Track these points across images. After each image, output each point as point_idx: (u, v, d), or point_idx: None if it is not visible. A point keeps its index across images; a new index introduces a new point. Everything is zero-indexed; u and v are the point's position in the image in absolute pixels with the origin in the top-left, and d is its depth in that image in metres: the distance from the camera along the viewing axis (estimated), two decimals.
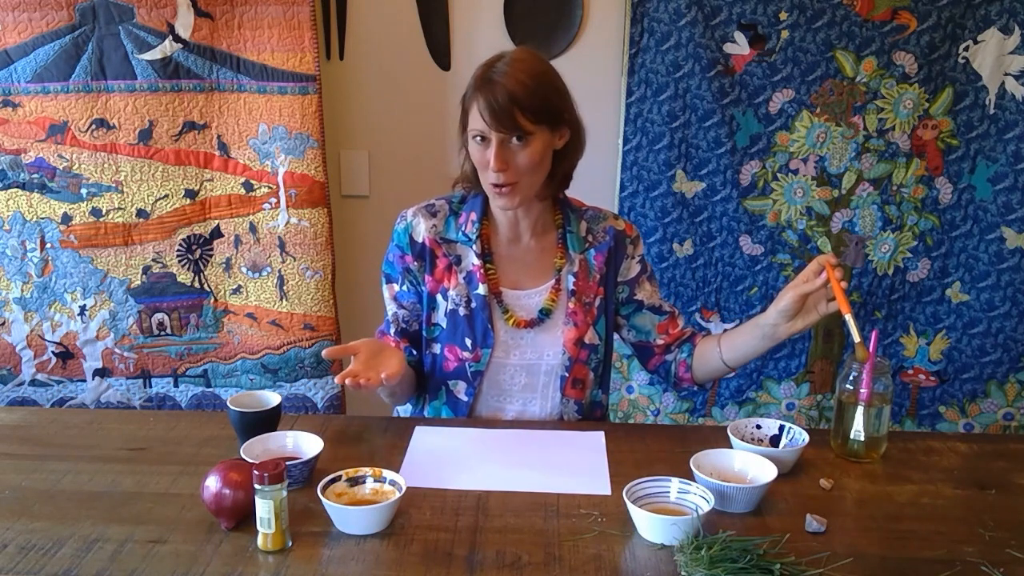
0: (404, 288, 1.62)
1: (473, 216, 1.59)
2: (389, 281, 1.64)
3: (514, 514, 1.22)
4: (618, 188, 2.44)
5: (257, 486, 1.11)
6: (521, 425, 1.56)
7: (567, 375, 1.58)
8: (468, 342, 1.56)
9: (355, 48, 2.44)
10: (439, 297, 1.59)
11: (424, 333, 1.61)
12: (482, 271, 1.57)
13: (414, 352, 1.62)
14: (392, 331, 1.62)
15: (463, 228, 1.59)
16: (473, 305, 1.56)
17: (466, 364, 1.57)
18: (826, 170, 2.41)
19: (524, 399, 1.60)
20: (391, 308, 1.64)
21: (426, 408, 1.65)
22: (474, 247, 1.58)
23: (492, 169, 1.44)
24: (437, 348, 1.60)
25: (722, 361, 1.57)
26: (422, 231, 1.58)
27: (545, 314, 1.58)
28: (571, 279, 1.59)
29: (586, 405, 1.63)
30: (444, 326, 1.58)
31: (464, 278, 1.57)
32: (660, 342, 1.65)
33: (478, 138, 1.46)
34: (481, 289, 1.56)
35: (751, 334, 1.51)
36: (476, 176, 1.55)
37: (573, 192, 1.68)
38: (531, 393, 1.60)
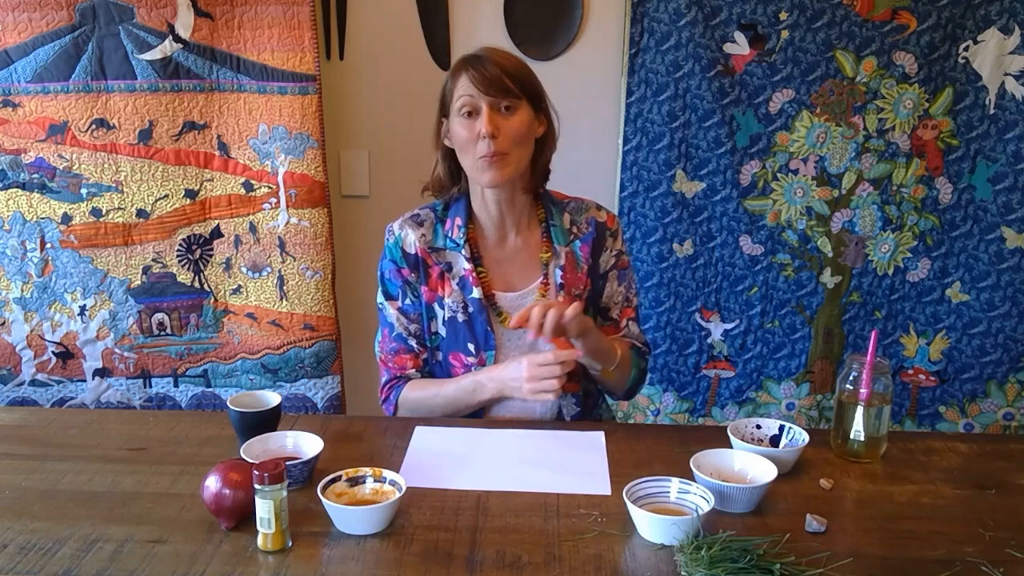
0: (408, 301, 1.61)
1: (459, 221, 1.59)
2: (389, 298, 1.62)
3: (514, 514, 1.23)
4: (618, 188, 2.44)
5: (257, 486, 1.11)
6: (521, 425, 1.56)
7: None
8: (471, 347, 1.56)
9: (355, 48, 2.44)
10: (436, 306, 1.59)
11: (427, 343, 1.61)
12: (474, 275, 1.57)
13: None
14: (415, 344, 1.61)
15: (450, 234, 1.59)
16: (470, 309, 1.57)
17: (472, 368, 1.57)
18: (826, 170, 2.41)
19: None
20: (401, 323, 1.62)
21: None
22: (463, 251, 1.57)
23: (484, 134, 1.45)
24: (440, 356, 1.61)
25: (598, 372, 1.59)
26: (412, 241, 1.58)
27: None
28: (558, 272, 1.59)
29: (581, 396, 1.64)
30: (444, 334, 1.59)
31: (457, 284, 1.57)
32: None
33: (465, 112, 1.48)
34: (476, 292, 1.56)
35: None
36: (450, 179, 1.59)
37: (574, 191, 1.68)
38: None
